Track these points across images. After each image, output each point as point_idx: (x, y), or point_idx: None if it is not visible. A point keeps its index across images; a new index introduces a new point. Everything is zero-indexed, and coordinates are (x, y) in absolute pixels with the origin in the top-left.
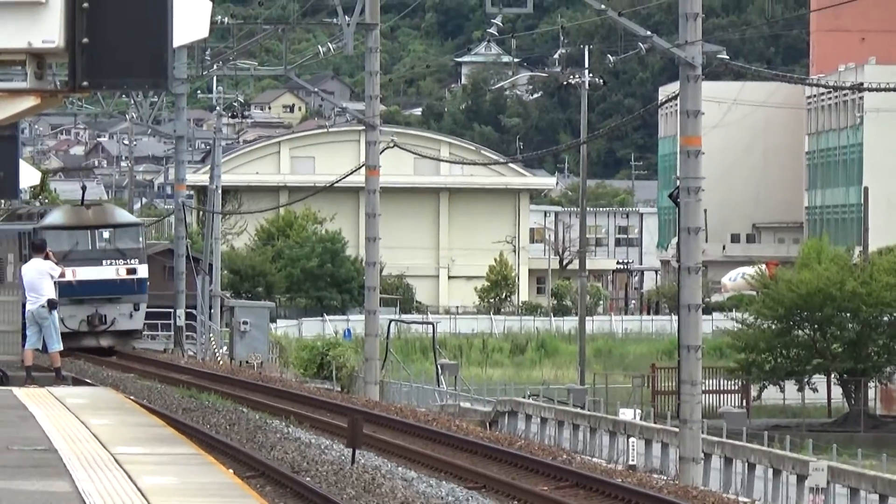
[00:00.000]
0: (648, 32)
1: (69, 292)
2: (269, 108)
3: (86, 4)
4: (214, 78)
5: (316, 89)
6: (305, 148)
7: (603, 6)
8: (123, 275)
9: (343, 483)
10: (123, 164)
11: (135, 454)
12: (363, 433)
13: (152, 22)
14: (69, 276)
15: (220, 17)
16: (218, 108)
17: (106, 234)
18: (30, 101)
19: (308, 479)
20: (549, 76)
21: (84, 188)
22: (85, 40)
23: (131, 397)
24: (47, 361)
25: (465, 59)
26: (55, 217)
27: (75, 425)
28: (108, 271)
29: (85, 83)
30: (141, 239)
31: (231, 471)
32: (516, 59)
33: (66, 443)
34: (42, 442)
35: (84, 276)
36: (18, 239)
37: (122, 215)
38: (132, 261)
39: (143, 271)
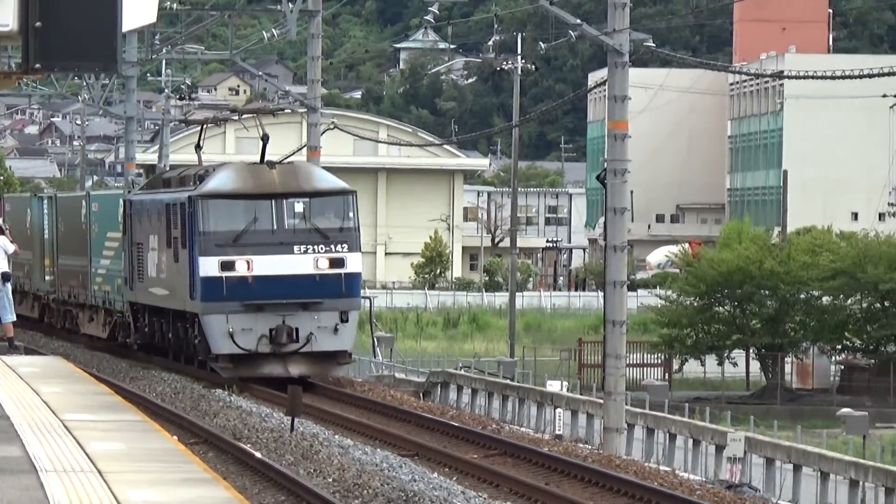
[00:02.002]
0: (578, 21)
1: (241, 294)
2: (216, 90)
3: None
4: (163, 61)
5: (260, 73)
6: (251, 129)
7: None
8: (325, 268)
9: (282, 450)
10: (76, 143)
11: (83, 421)
12: (302, 403)
13: (103, 7)
14: (242, 270)
15: (168, 2)
16: (166, 90)
17: (299, 207)
18: None
19: (249, 445)
20: (483, 62)
21: (265, 138)
22: (38, 24)
23: (81, 367)
24: (0, 331)
25: (403, 45)
26: (221, 180)
27: (27, 393)
28: (303, 263)
29: (38, 65)
30: (352, 214)
31: (175, 437)
32: (452, 46)
33: (17, 410)
34: None
35: (265, 271)
36: (167, 213)
37: (324, 178)
38: (339, 247)
39: (354, 263)
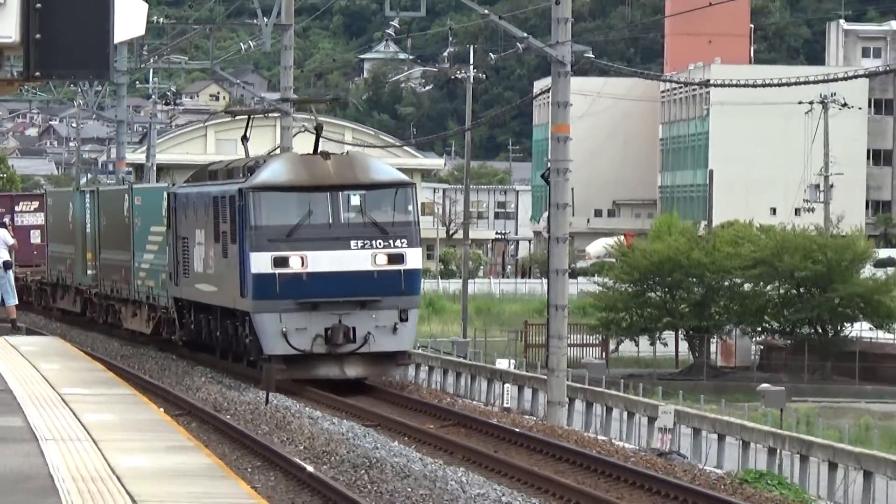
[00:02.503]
0: (525, 34)
1: (295, 292)
2: (198, 96)
3: (38, 5)
4: (150, 70)
5: (238, 81)
6: (229, 132)
7: (486, 11)
8: (383, 264)
9: (258, 421)
10: (72, 144)
11: (79, 394)
12: (275, 379)
13: (96, 20)
14: (296, 267)
15: (155, 17)
16: (153, 96)
17: (356, 200)
18: None
19: (228, 416)
20: (439, 71)
21: (319, 128)
22: (38, 36)
23: (77, 346)
24: (4, 313)
25: (367, 55)
26: (273, 172)
27: (28, 369)
28: (360, 258)
29: (37, 73)
30: (411, 207)
31: (162, 409)
32: (411, 56)
33: (20, 384)
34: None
35: (320, 267)
36: (214, 206)
37: (381, 169)
38: (398, 242)
39: (414, 258)
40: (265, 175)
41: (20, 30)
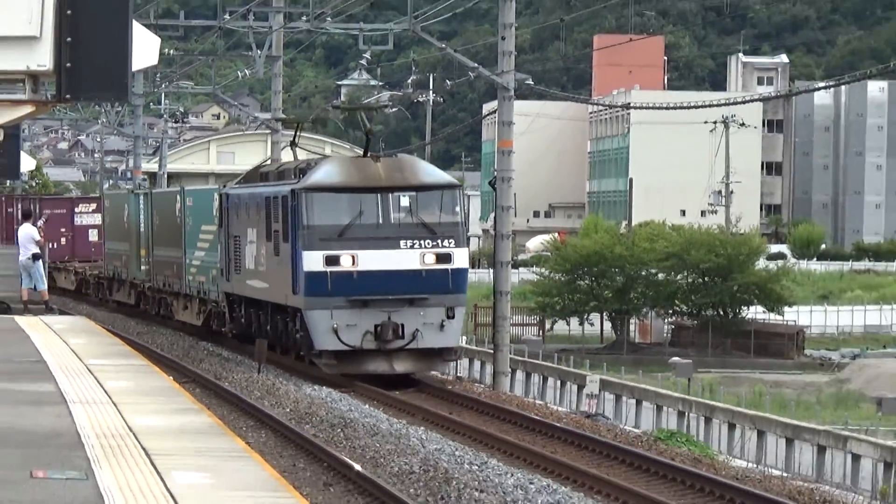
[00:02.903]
0: (476, 65)
1: (346, 289)
2: (202, 116)
3: (69, 39)
4: (162, 94)
5: (235, 103)
6: (228, 145)
7: (443, 45)
8: (432, 263)
9: (252, 388)
10: (96, 155)
11: (101, 364)
12: (266, 352)
13: (117, 52)
14: (346, 265)
15: (166, 49)
16: (164, 115)
17: (405, 201)
18: (27, 109)
19: (226, 384)
20: (403, 95)
21: (369, 134)
22: (68, 65)
23: (100, 324)
24: (38, 297)
25: (344, 82)
26: (325, 173)
27: (59, 344)
28: (409, 258)
29: (68, 96)
30: (458, 209)
31: (171, 378)
32: (380, 83)
33: (52, 356)
34: (35, 356)
35: (370, 265)
36: (266, 206)
37: (429, 171)
38: (446, 242)
39: (461, 258)
40: (317, 176)
41: (53, 59)
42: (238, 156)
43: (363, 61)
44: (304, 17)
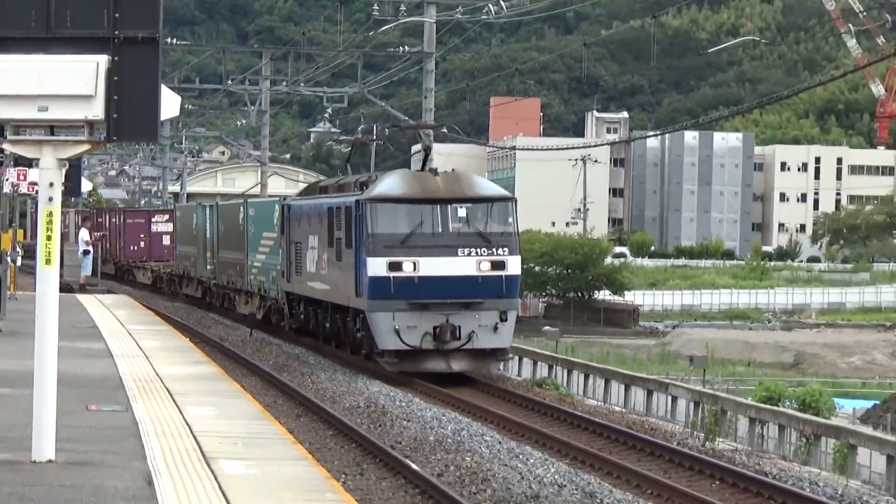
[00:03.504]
0: (406, 118)
1: (407, 293)
2: (211, 152)
3: (115, 97)
4: (183, 136)
5: (235, 144)
6: (229, 174)
7: (384, 104)
8: (487, 270)
9: (245, 346)
10: (136, 180)
11: (138, 329)
12: (257, 320)
13: (149, 106)
14: (408, 271)
15: (185, 105)
16: (185, 152)
17: (462, 212)
18: (85, 147)
19: (227, 344)
20: (355, 139)
21: (428, 150)
22: (114, 115)
23: (138, 300)
24: (85, 280)
25: (313, 129)
26: (389, 186)
27: (107, 314)
28: (466, 265)
29: (115, 138)
30: (511, 220)
31: (188, 339)
32: (339, 130)
33: (102, 323)
34: (90, 322)
35: (429, 271)
36: (328, 216)
37: (485, 185)
38: (500, 250)
39: (514, 265)
40: (381, 188)
41: (104, 111)
42: (237, 181)
43: (327, 114)
44: (284, 83)
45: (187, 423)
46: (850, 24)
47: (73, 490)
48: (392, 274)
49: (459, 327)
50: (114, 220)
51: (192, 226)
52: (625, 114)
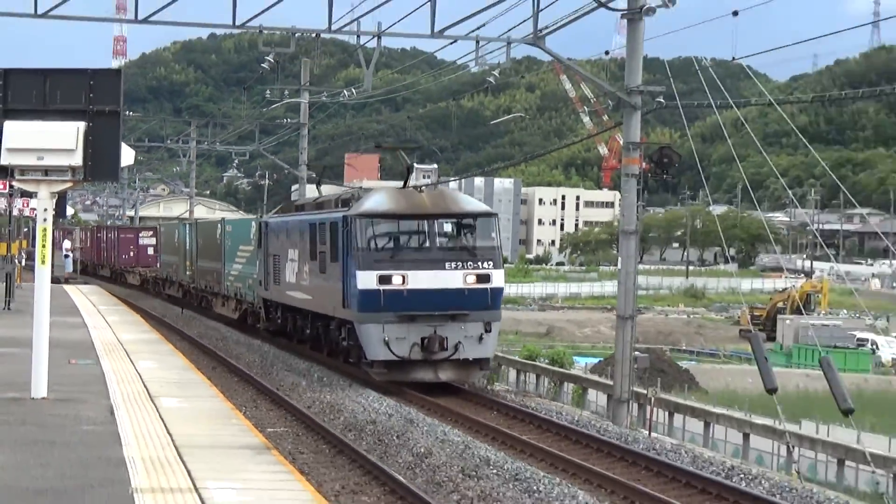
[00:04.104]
0: (288, 167)
1: (396, 305)
2: (156, 188)
3: (90, 150)
4: (136, 177)
5: (172, 183)
6: (167, 203)
7: (274, 157)
8: (472, 283)
9: (178, 321)
10: (103, 207)
11: (105, 308)
12: (189, 304)
13: (112, 157)
14: (397, 284)
15: (139, 157)
16: (137, 188)
17: (448, 227)
18: (69, 184)
19: (166, 318)
20: (253, 181)
21: (409, 169)
22: (89, 163)
23: (105, 289)
24: (66, 274)
25: (225, 174)
26: (376, 202)
27: (84, 299)
28: (453, 278)
29: (89, 178)
30: (494, 234)
31: (139, 315)
32: (242, 175)
33: (80, 304)
34: (72, 304)
35: (418, 284)
36: (311, 231)
37: (469, 202)
38: (485, 264)
39: (498, 279)
40: (370, 204)
41: (82, 160)
42: (174, 209)
43: (234, 164)
44: (205, 142)
45: (138, 373)
46: (584, 106)
47: (60, 418)
48: (382, 287)
49: (446, 338)
50: (110, 235)
51: (174, 240)
52: (435, 165)
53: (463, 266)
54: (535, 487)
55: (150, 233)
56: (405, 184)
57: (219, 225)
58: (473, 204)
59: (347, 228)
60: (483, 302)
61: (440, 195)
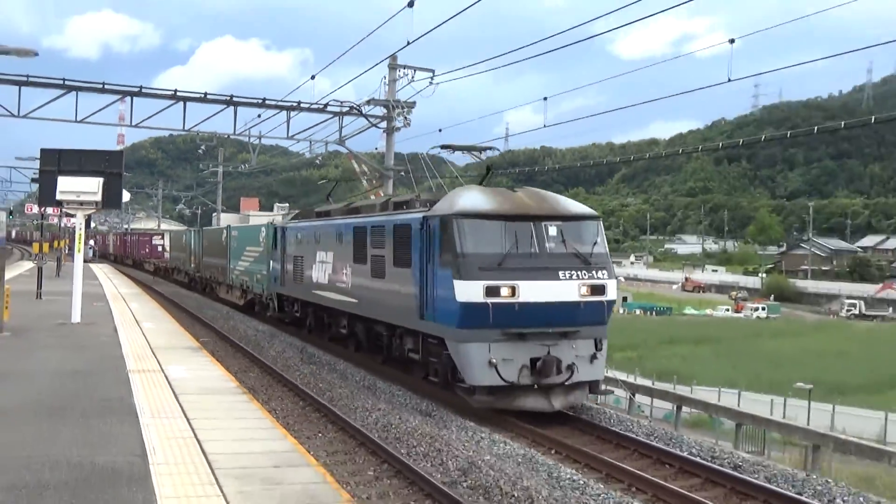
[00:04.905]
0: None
1: (505, 321)
2: (144, 212)
3: (105, 192)
4: (129, 206)
5: (148, 211)
6: (151, 221)
7: (203, 199)
8: (587, 295)
9: (183, 296)
10: (110, 222)
11: (112, 277)
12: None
13: (117, 195)
14: (507, 296)
15: (133, 194)
16: (131, 213)
17: (553, 231)
18: (93, 210)
19: (149, 285)
20: (203, 212)
21: (490, 168)
22: (104, 199)
23: (109, 264)
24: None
25: (178, 206)
26: (473, 201)
27: (101, 272)
28: (567, 289)
29: (104, 207)
30: (600, 239)
31: (132, 279)
32: (189, 210)
33: (99, 274)
34: (94, 274)
35: (530, 297)
36: (357, 235)
37: (571, 203)
38: (600, 273)
39: (612, 290)
40: (467, 203)
41: (102, 195)
42: (149, 224)
43: (182, 201)
44: (166, 191)
45: (130, 310)
46: (363, 177)
47: (87, 333)
48: (490, 300)
49: (561, 360)
50: (133, 238)
51: (181, 241)
52: (287, 205)
53: (577, 276)
54: None
55: (160, 237)
56: (482, 181)
57: (224, 231)
58: (577, 205)
59: (442, 230)
60: (597, 317)
61: (538, 195)
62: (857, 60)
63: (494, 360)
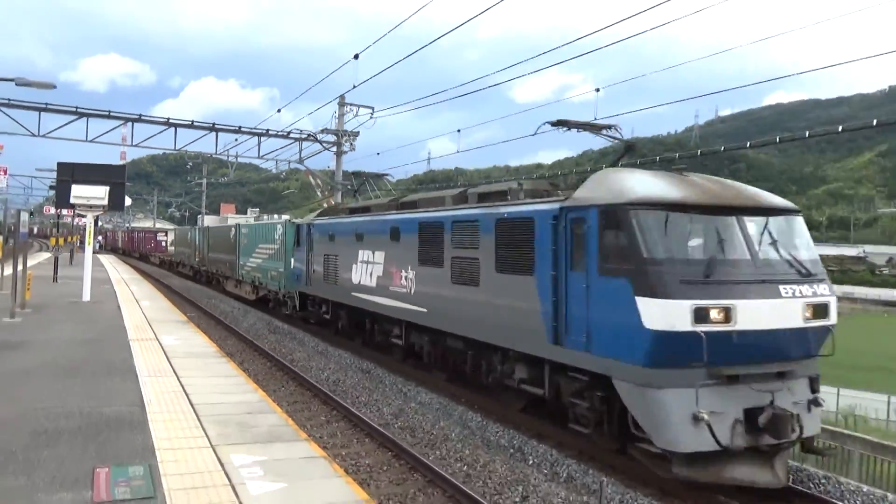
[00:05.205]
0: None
1: (720, 357)
2: (143, 215)
3: (110, 198)
4: (130, 209)
5: (154, 217)
6: (147, 221)
7: (190, 204)
8: (810, 318)
9: (186, 287)
10: (114, 222)
11: (116, 265)
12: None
13: (120, 201)
14: (718, 321)
15: (134, 199)
16: (131, 214)
17: (753, 229)
18: (101, 212)
19: (152, 273)
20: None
21: (632, 145)
22: (110, 202)
23: (114, 255)
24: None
25: (170, 209)
26: (649, 186)
27: (108, 262)
28: (791, 310)
29: (110, 210)
30: (809, 241)
31: (131, 266)
32: (178, 215)
33: (106, 263)
34: (101, 263)
35: (751, 322)
36: (422, 232)
37: (767, 193)
38: (822, 287)
39: (834, 311)
40: (645, 190)
41: (108, 200)
42: (146, 223)
43: (173, 206)
44: (160, 198)
45: (131, 291)
46: (318, 190)
47: (96, 309)
48: (701, 328)
49: (788, 410)
50: (140, 234)
51: (186, 238)
52: (258, 210)
53: (800, 292)
54: None
55: (164, 233)
56: (617, 162)
57: (232, 229)
58: (774, 196)
59: (587, 227)
60: (816, 348)
61: (718, 182)
62: (688, 108)
63: (704, 415)
